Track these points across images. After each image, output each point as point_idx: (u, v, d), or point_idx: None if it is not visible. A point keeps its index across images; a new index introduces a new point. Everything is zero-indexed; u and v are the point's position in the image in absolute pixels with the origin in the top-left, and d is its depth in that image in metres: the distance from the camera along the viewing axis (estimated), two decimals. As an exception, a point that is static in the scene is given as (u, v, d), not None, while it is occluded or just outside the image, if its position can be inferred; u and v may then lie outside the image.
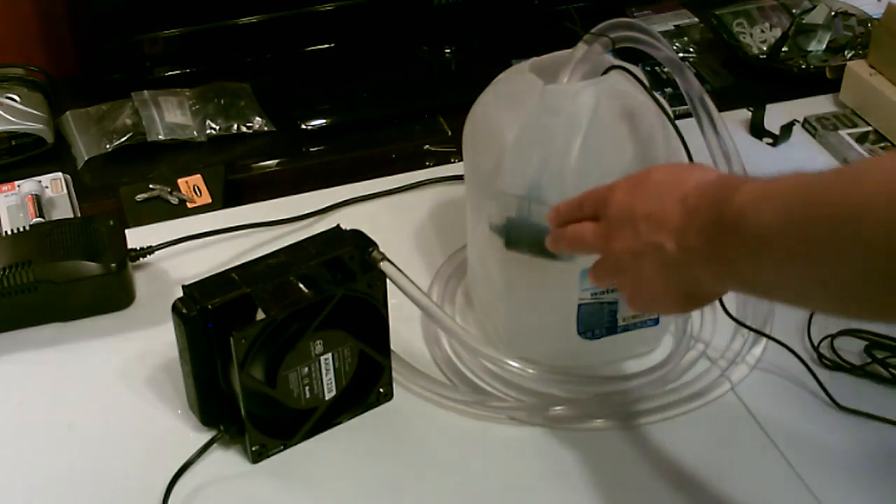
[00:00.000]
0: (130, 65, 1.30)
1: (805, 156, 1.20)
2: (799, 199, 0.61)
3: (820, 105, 1.27)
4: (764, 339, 0.94)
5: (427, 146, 1.24)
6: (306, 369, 0.84)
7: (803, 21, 1.36)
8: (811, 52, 1.35)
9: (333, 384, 0.86)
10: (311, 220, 1.10)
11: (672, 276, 0.71)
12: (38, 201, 1.10)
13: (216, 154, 1.23)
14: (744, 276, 0.67)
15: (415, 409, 0.90)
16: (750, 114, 1.24)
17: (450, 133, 1.26)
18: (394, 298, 0.87)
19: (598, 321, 0.90)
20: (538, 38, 1.31)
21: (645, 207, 0.72)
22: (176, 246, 1.05)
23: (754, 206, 0.63)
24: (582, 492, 0.84)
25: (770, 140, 1.22)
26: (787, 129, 1.22)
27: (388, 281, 0.86)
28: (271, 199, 1.14)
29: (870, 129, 1.23)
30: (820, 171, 0.62)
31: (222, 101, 1.28)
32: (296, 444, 0.87)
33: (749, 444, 0.87)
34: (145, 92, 1.27)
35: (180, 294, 0.83)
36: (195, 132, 1.24)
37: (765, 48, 1.37)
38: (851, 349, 0.94)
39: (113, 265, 0.98)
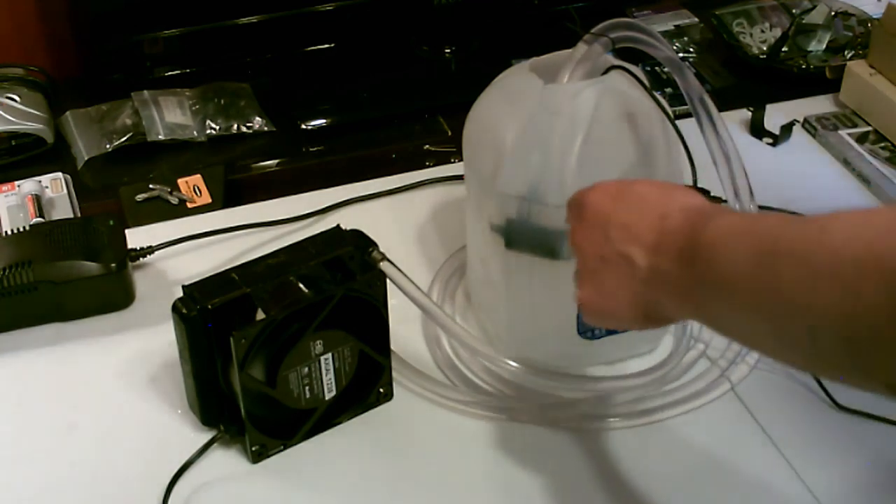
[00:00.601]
0: (130, 65, 1.30)
1: (805, 156, 1.20)
2: (769, 244, 0.59)
3: (820, 105, 1.27)
4: (764, 339, 0.94)
5: (427, 146, 1.24)
6: (306, 369, 0.84)
7: (803, 21, 1.36)
8: (811, 52, 1.35)
9: (333, 384, 0.86)
10: (311, 220, 1.10)
11: (636, 292, 0.69)
12: (38, 201, 1.10)
13: (216, 154, 1.23)
14: (703, 309, 0.65)
15: (415, 409, 0.90)
16: (750, 114, 1.24)
17: (450, 133, 1.26)
18: (394, 298, 0.87)
19: (598, 321, 0.90)
20: (538, 38, 1.31)
21: (622, 216, 0.70)
22: (176, 246, 1.05)
23: (723, 242, 0.62)
24: (582, 492, 0.84)
25: (770, 140, 1.22)
26: (787, 129, 1.22)
27: (388, 281, 0.86)
28: (271, 199, 1.14)
29: (870, 129, 1.23)
30: (797, 218, 0.60)
31: (222, 101, 1.28)
32: (296, 444, 0.87)
33: (749, 444, 0.87)
34: (145, 92, 1.27)
35: (180, 294, 0.83)
36: (195, 132, 1.24)
37: (765, 48, 1.37)
38: (851, 349, 0.94)
39: (113, 265, 0.98)
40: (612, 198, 0.72)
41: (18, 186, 1.13)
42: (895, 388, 0.54)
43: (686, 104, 0.91)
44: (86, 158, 1.21)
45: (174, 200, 1.14)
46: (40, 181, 1.14)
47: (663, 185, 0.73)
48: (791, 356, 0.62)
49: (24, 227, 1.02)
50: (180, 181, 1.16)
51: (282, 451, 0.86)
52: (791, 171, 1.18)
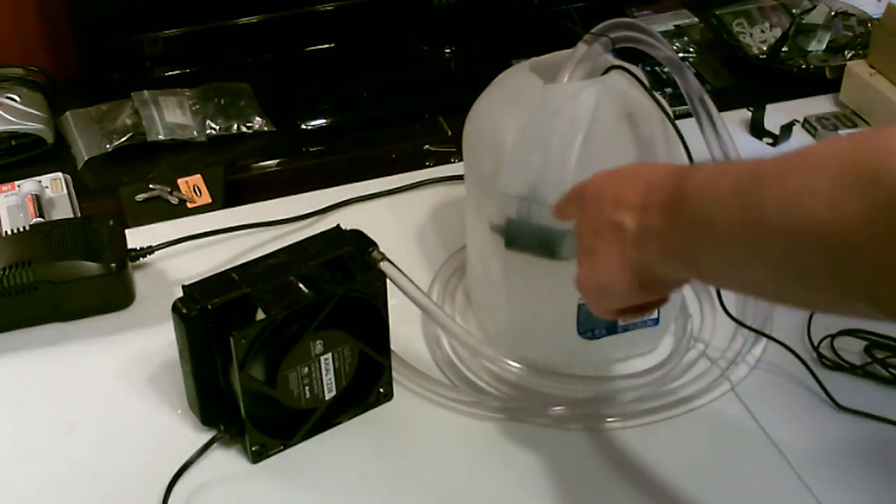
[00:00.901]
0: (130, 65, 1.30)
1: (805, 156, 1.20)
2: (749, 174, 0.60)
3: (820, 105, 1.27)
4: (764, 339, 0.94)
5: (427, 146, 1.24)
6: (306, 369, 0.84)
7: (803, 21, 1.36)
8: (811, 52, 1.35)
9: (333, 384, 0.86)
10: (311, 220, 1.10)
11: (627, 256, 0.69)
12: (38, 201, 1.10)
13: (216, 154, 1.23)
14: (692, 256, 0.65)
15: (415, 409, 0.90)
16: (750, 114, 1.24)
17: (450, 133, 1.26)
18: (394, 298, 0.87)
19: (598, 321, 0.90)
20: (538, 38, 1.31)
21: (612, 190, 0.71)
22: (176, 246, 1.05)
23: (706, 183, 0.63)
24: (582, 492, 0.84)
25: (770, 140, 1.22)
26: (787, 129, 1.22)
27: (388, 281, 0.86)
28: (271, 199, 1.14)
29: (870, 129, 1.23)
30: (778, 153, 0.61)
31: (222, 101, 1.28)
32: (296, 444, 0.87)
33: (749, 444, 0.87)
34: (145, 92, 1.27)
35: (180, 294, 0.83)
36: (195, 132, 1.24)
37: (765, 48, 1.37)
38: (851, 349, 0.94)
39: (113, 265, 0.98)
40: (604, 180, 0.73)
41: (18, 186, 1.13)
42: (880, 301, 0.54)
43: (686, 104, 0.91)
44: (86, 158, 1.21)
45: (174, 200, 1.14)
46: (40, 181, 1.14)
47: (655, 164, 0.74)
48: (780, 288, 0.61)
49: (24, 227, 1.02)
50: (180, 181, 1.16)
51: (282, 451, 0.86)
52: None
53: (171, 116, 1.25)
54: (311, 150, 1.25)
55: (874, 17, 1.36)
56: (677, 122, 0.87)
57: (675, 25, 1.44)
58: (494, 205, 0.87)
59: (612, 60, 0.89)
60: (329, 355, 0.85)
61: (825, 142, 0.57)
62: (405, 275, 0.86)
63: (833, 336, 0.95)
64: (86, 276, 0.97)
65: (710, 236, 0.62)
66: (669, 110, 0.86)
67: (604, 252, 0.71)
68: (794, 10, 1.40)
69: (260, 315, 0.80)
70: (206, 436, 0.86)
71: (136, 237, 1.04)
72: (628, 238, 0.69)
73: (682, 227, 0.65)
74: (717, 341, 0.95)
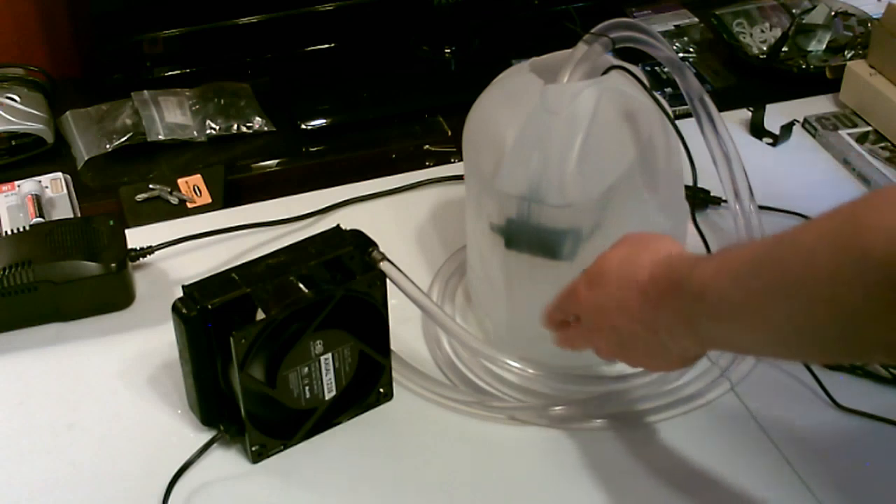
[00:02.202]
0: (130, 65, 1.30)
1: (805, 156, 1.20)
2: (749, 269, 0.63)
3: (820, 105, 1.27)
4: (764, 339, 0.94)
5: (427, 146, 1.24)
6: (306, 369, 0.84)
7: (803, 21, 1.36)
8: (811, 52, 1.35)
9: (333, 384, 0.86)
10: (311, 220, 1.10)
11: (663, 346, 0.73)
12: (38, 201, 1.10)
13: (216, 154, 1.23)
14: (720, 342, 0.71)
15: (415, 409, 0.90)
16: (750, 114, 1.24)
17: (450, 133, 1.26)
18: (394, 298, 0.87)
19: (598, 321, 0.90)
20: (538, 38, 1.31)
21: (611, 300, 0.74)
22: (176, 246, 1.05)
23: (713, 280, 0.66)
24: (582, 492, 0.84)
25: (770, 140, 1.22)
26: (787, 129, 1.22)
27: (388, 281, 0.86)
28: (271, 199, 1.14)
29: (870, 129, 1.23)
30: (766, 238, 0.65)
31: (222, 101, 1.28)
32: (296, 444, 0.87)
33: (749, 444, 0.87)
34: (145, 92, 1.27)
35: (180, 294, 0.83)
36: (195, 132, 1.24)
37: (765, 48, 1.37)
38: (851, 349, 0.94)
39: (113, 265, 0.98)
40: (594, 290, 0.76)
41: (18, 186, 1.13)
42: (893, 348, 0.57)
43: (686, 104, 0.91)
44: (86, 158, 1.21)
45: (174, 200, 1.14)
46: (40, 181, 1.14)
47: (628, 255, 0.75)
48: (796, 355, 0.68)
49: (24, 227, 1.02)
50: (180, 181, 1.16)
51: (282, 451, 0.86)
52: (791, 171, 1.18)
53: (171, 116, 1.25)
54: (311, 150, 1.25)
55: (874, 17, 1.36)
56: (677, 122, 0.87)
57: (675, 25, 1.44)
58: (494, 205, 0.87)
59: (612, 60, 0.89)
60: (329, 355, 0.85)
61: (809, 226, 0.61)
62: (405, 275, 0.86)
63: (833, 336, 0.94)
64: (86, 276, 0.97)
65: (733, 325, 0.66)
66: (669, 110, 0.86)
67: (640, 350, 0.75)
68: (794, 10, 1.40)
69: (260, 315, 0.80)
70: (206, 436, 0.86)
71: (136, 237, 1.04)
72: (652, 342, 0.73)
73: (702, 322, 0.68)
74: (717, 341, 0.95)
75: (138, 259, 1.02)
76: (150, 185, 1.15)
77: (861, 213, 0.56)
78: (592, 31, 0.87)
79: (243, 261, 0.86)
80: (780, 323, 0.62)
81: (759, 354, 0.74)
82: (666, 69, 1.09)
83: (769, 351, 0.70)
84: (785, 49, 1.35)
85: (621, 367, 0.93)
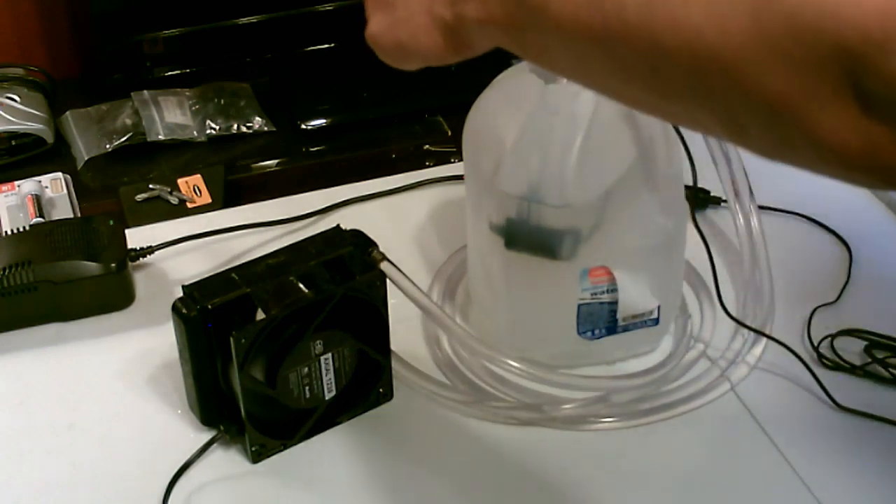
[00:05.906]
0: (130, 65, 1.30)
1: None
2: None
3: (820, 105, 1.27)
4: (764, 339, 0.94)
5: (427, 146, 1.24)
6: (306, 369, 0.84)
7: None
8: (811, 52, 1.35)
9: (333, 384, 0.86)
10: (311, 220, 1.10)
11: (436, 17, 0.63)
12: (38, 201, 1.10)
13: (216, 154, 1.23)
14: (520, 33, 0.57)
15: (415, 409, 0.90)
16: (750, 114, 1.24)
17: (450, 133, 1.26)
18: (394, 298, 0.87)
19: (598, 321, 0.90)
20: (538, 38, 1.31)
21: None
22: (176, 246, 1.05)
23: None
24: (582, 492, 0.84)
25: (770, 140, 1.22)
26: (787, 129, 1.22)
27: (388, 281, 0.86)
28: (271, 199, 1.14)
29: (870, 129, 1.22)
30: None
31: (222, 101, 1.28)
32: (296, 444, 0.87)
33: (749, 444, 0.87)
34: (145, 92, 1.27)
35: (180, 294, 0.83)
36: (195, 132, 1.24)
37: (765, 48, 1.37)
38: (851, 349, 0.94)
39: (113, 265, 0.98)
40: None
41: (18, 186, 1.13)
42: (733, 125, 0.48)
43: (686, 104, 0.91)
44: (86, 158, 1.21)
45: (174, 200, 1.14)
46: (40, 181, 1.14)
47: None
48: (624, 88, 0.53)
49: (24, 227, 1.02)
50: (180, 181, 1.16)
51: (282, 451, 0.86)
52: (791, 170, 1.17)
53: (171, 116, 1.25)
54: (311, 150, 1.25)
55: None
56: (677, 121, 0.87)
57: (675, 25, 1.44)
58: (494, 205, 0.87)
59: (612, 60, 0.88)
60: (329, 355, 0.85)
61: None
62: (405, 275, 0.86)
63: (833, 336, 0.95)
64: (86, 276, 0.97)
65: (546, 17, 0.52)
66: (669, 110, 0.86)
67: (403, 8, 0.62)
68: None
69: (260, 315, 0.80)
70: (206, 436, 0.86)
71: (136, 237, 1.04)
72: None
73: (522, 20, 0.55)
74: (717, 341, 0.95)
75: (138, 259, 1.02)
76: (150, 185, 1.15)
77: None
78: (592, 30, 0.86)
79: (243, 261, 0.86)
80: (620, 37, 0.49)
81: (565, 69, 0.58)
82: (666, 69, 1.09)
83: (584, 69, 0.54)
84: (785, 49, 1.35)
85: (621, 367, 0.93)
